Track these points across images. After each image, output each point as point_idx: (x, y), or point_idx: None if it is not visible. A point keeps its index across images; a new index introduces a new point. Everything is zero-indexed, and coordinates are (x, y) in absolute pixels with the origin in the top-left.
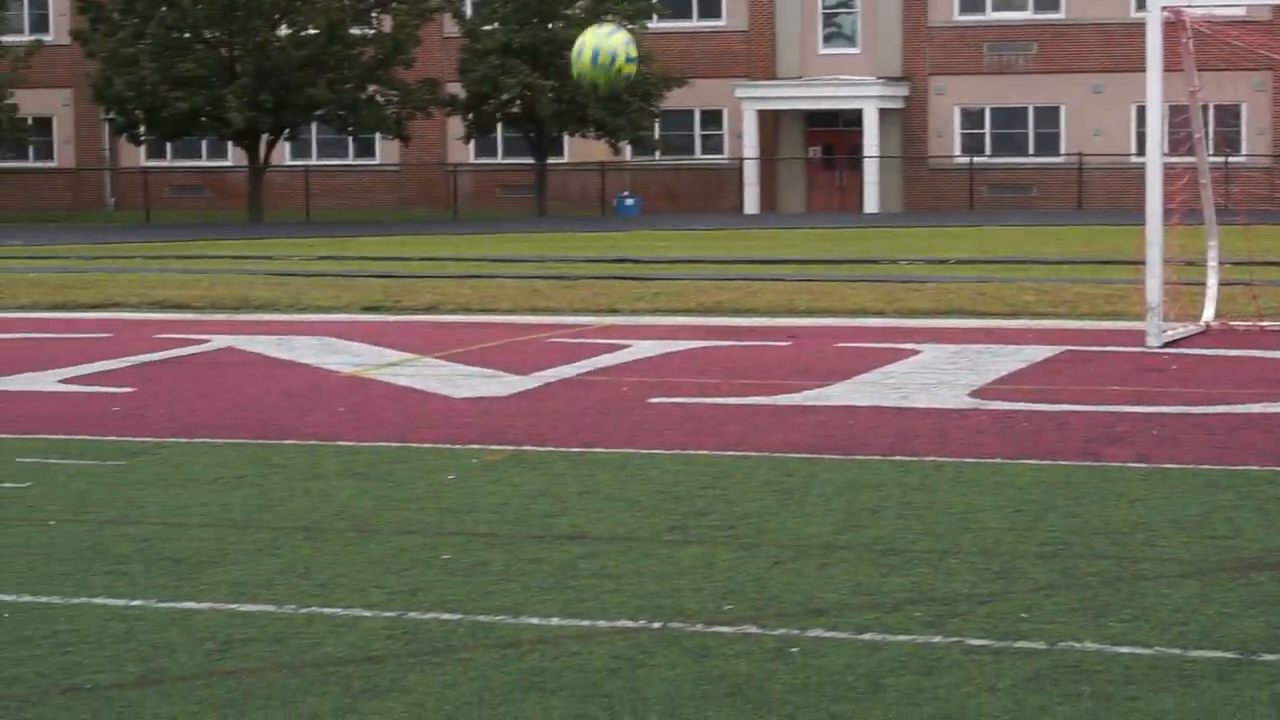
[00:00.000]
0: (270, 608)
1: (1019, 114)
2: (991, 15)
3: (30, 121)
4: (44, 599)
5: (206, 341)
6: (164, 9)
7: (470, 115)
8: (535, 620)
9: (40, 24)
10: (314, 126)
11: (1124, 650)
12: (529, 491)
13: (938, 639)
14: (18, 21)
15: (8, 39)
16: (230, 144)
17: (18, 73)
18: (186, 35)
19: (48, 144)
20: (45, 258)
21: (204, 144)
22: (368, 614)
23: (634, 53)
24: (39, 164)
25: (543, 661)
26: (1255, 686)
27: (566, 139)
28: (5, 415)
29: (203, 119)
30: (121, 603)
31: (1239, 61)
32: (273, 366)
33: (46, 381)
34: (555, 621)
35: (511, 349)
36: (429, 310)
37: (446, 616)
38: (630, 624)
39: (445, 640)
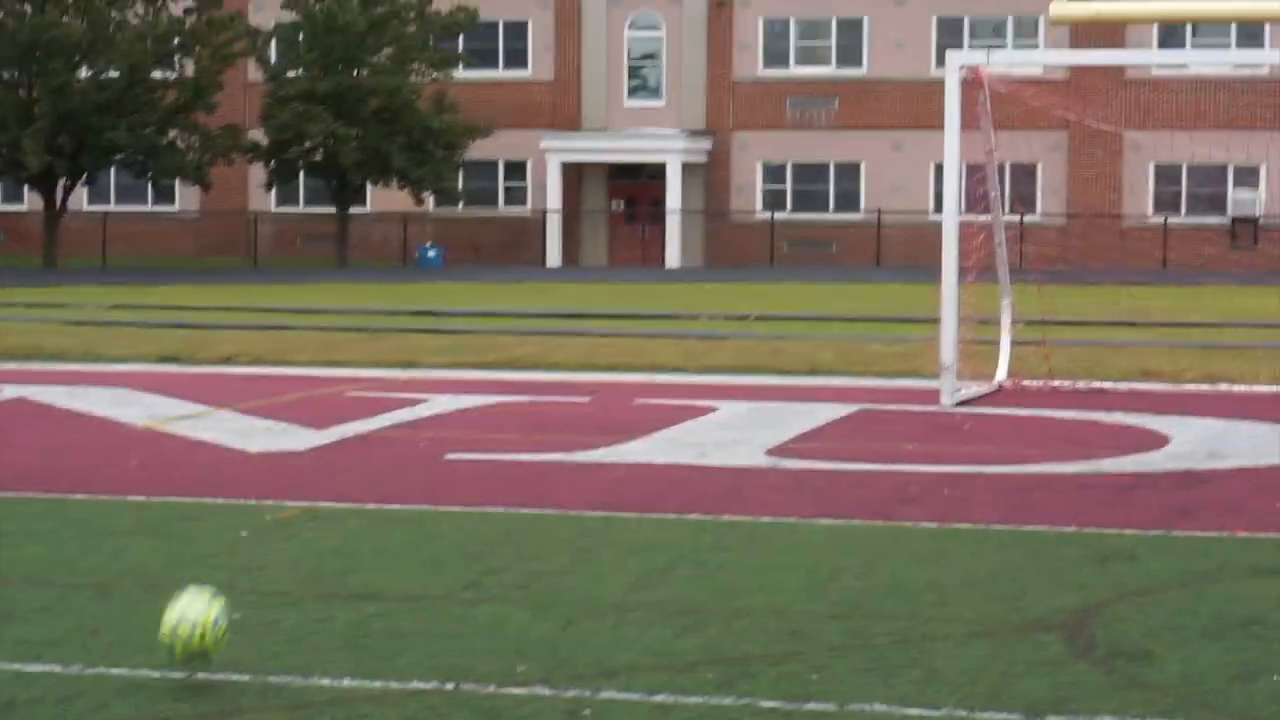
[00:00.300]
0: (57, 668)
1: (820, 170)
2: (795, 70)
3: None
4: None
5: None
6: None
7: (272, 162)
8: (326, 681)
9: None
10: (113, 171)
11: (913, 711)
12: (322, 549)
13: (729, 700)
14: None
15: None
16: (26, 187)
17: None
18: None
19: None
20: None
21: None
22: (155, 675)
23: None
24: None
25: None
26: None
27: (369, 188)
28: None
29: None
30: None
31: (1036, 121)
32: (65, 418)
33: None
34: (346, 683)
35: (309, 402)
36: (226, 362)
37: (236, 677)
38: (422, 685)
39: (234, 702)
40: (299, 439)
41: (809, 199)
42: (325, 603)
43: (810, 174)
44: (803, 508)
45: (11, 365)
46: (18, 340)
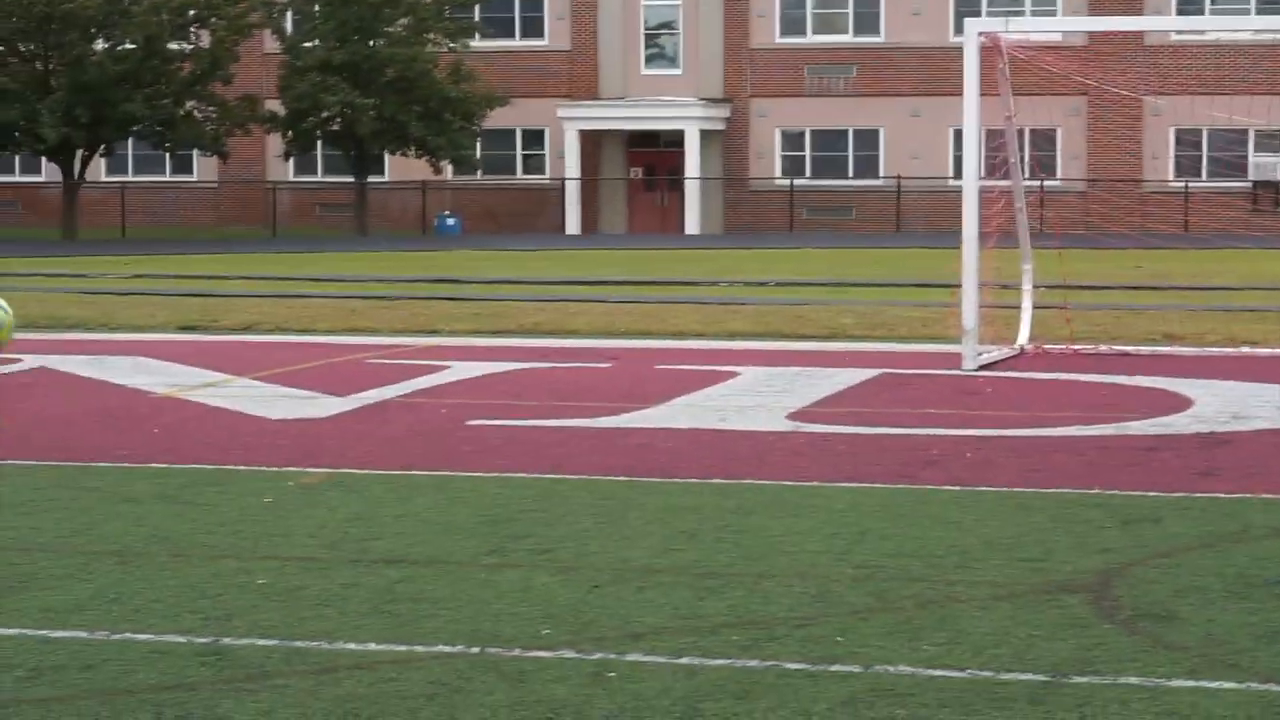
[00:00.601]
0: (81, 634)
1: (839, 137)
2: (812, 38)
3: None
4: None
5: (18, 361)
6: None
7: (289, 132)
8: (352, 646)
9: None
10: (130, 142)
11: (937, 673)
12: (346, 515)
13: (754, 663)
14: None
15: None
16: (44, 159)
17: None
18: (0, 49)
19: None
20: None
21: (17, 159)
22: (181, 640)
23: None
24: None
25: (359, 688)
26: (1066, 709)
27: (387, 157)
28: None
29: (16, 134)
30: None
31: (1054, 86)
32: (86, 386)
33: None
34: (372, 647)
35: (329, 370)
36: (246, 330)
37: (261, 642)
38: (448, 649)
39: (260, 666)
40: (320, 406)
41: (828, 165)
42: (350, 568)
43: (829, 141)
44: (825, 472)
45: (32, 335)
46: (38, 310)
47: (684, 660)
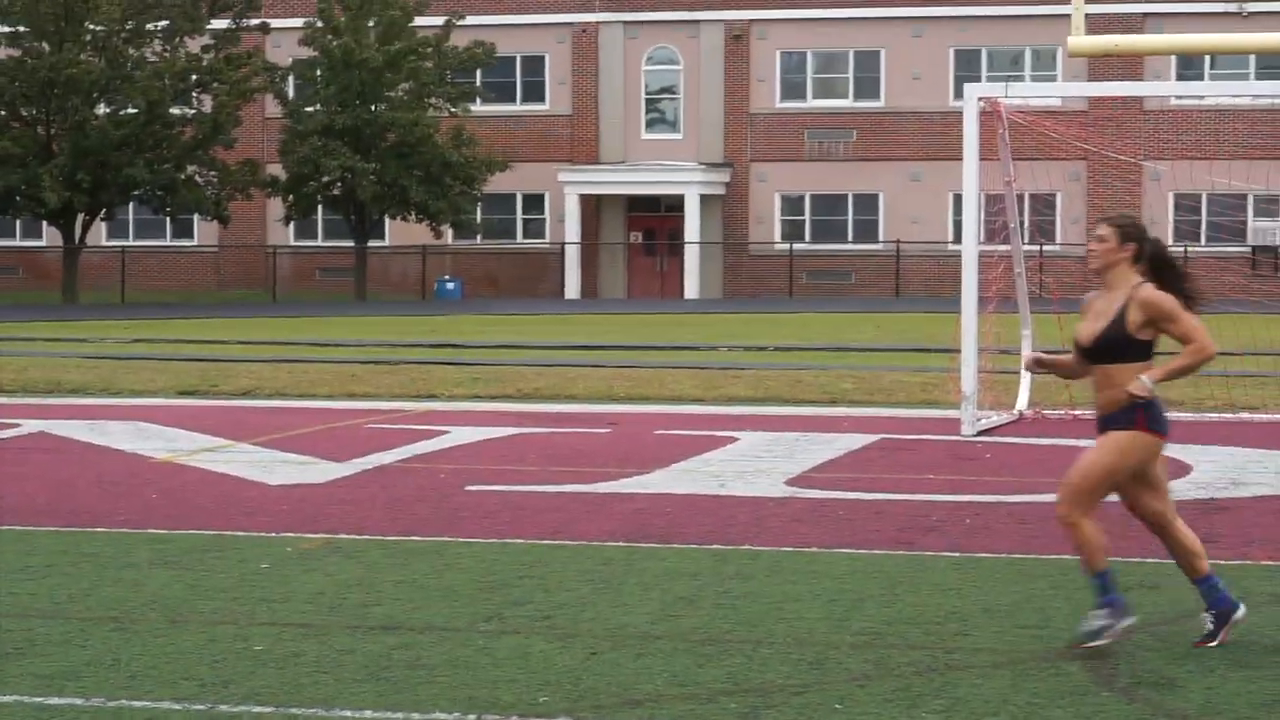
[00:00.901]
0: (78, 700)
1: (838, 201)
2: (812, 103)
3: None
4: None
5: (17, 426)
6: None
7: (290, 197)
8: (348, 713)
9: None
10: (131, 206)
11: None
12: (344, 580)
13: None
14: None
15: None
16: (45, 223)
17: None
18: (2, 113)
19: None
20: None
21: (18, 223)
22: (177, 707)
23: None
24: None
25: None
26: None
27: (388, 221)
28: None
29: (17, 198)
30: None
31: (1054, 151)
32: (85, 452)
33: None
34: (369, 714)
35: (329, 435)
36: (245, 395)
37: (258, 709)
38: (445, 716)
39: None
40: (319, 471)
41: (828, 230)
42: (347, 634)
43: (829, 205)
44: (824, 537)
45: (32, 400)
46: (38, 374)
47: None
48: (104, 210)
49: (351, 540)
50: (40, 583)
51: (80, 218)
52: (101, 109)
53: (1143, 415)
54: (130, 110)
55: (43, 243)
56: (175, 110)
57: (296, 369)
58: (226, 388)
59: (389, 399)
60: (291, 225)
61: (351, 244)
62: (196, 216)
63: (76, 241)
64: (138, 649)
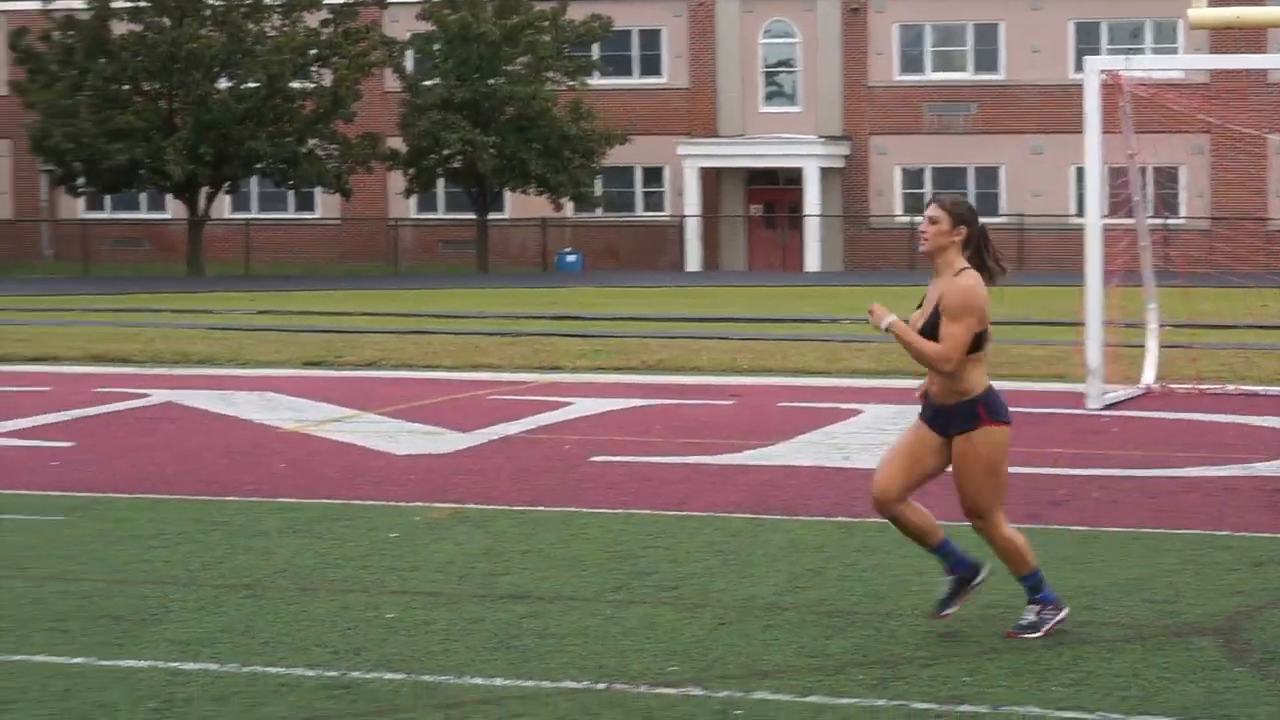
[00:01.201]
0: (212, 666)
1: (959, 174)
2: (931, 76)
3: None
4: None
5: (146, 396)
6: (102, 61)
7: (411, 170)
8: (479, 680)
9: None
10: (254, 180)
11: (1066, 715)
12: (472, 550)
13: (881, 702)
14: None
15: None
16: (170, 196)
17: None
18: (125, 87)
19: None
20: None
21: (143, 196)
22: (310, 673)
23: None
24: None
25: None
26: None
27: (508, 195)
28: None
29: (142, 171)
30: (62, 660)
31: (1177, 124)
32: (213, 422)
33: None
34: (499, 682)
35: (453, 406)
36: (370, 366)
37: (389, 676)
38: (574, 685)
39: (389, 700)
40: (445, 442)
41: None
42: (477, 603)
43: (949, 178)
44: (951, 510)
45: (160, 370)
46: (166, 346)
47: (811, 699)
48: (227, 183)
49: (479, 510)
50: (174, 550)
51: (204, 191)
52: (223, 83)
53: (984, 410)
54: (251, 84)
55: (168, 216)
56: (295, 84)
57: (421, 340)
58: (352, 359)
59: (512, 370)
60: (413, 198)
61: (472, 217)
62: (319, 189)
63: (201, 214)
64: (270, 616)
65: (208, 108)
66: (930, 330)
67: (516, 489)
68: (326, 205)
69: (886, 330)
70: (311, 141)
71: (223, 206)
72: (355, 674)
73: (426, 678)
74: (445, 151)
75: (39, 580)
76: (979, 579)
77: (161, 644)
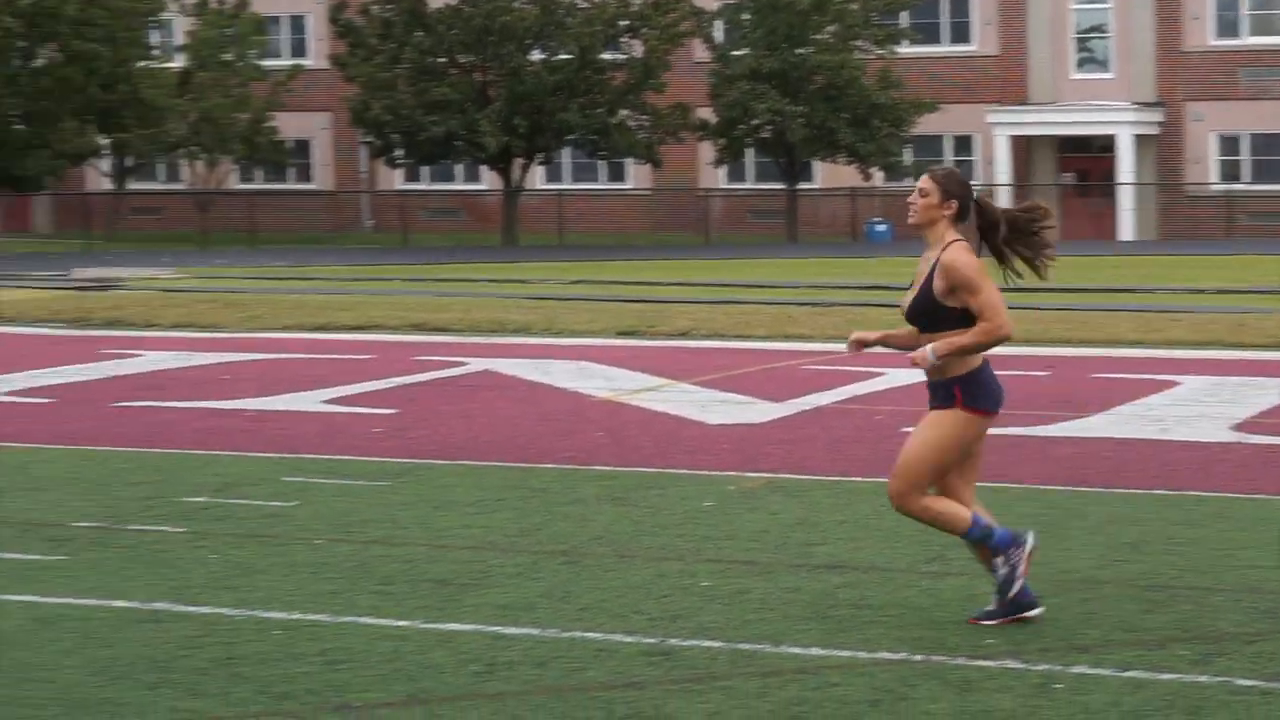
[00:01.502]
0: (533, 631)
1: (1276, 140)
2: (1248, 40)
3: (290, 144)
4: (313, 617)
5: (464, 364)
6: (419, 34)
7: (721, 140)
8: (796, 650)
9: (300, 49)
10: (566, 150)
11: None
12: (787, 519)
13: (1204, 678)
14: (278, 46)
15: (268, 63)
16: (484, 167)
17: (278, 96)
18: (441, 60)
19: (307, 166)
20: (306, 279)
21: (459, 167)
22: (629, 639)
23: None
24: (298, 186)
25: (803, 692)
26: None
27: (817, 164)
28: (271, 435)
29: (458, 143)
30: (388, 622)
31: None
32: (530, 390)
33: (310, 402)
34: (816, 651)
35: (766, 375)
36: (682, 336)
37: (707, 644)
38: (890, 656)
39: (706, 668)
40: (758, 411)
41: (1268, 170)
42: (792, 573)
43: (1269, 144)
44: (1273, 484)
45: (478, 339)
46: (483, 315)
47: (1130, 674)
48: (540, 154)
49: (793, 480)
50: (492, 517)
51: (518, 162)
52: (535, 55)
53: (960, 392)
54: (563, 56)
55: (483, 187)
56: (606, 56)
57: (732, 310)
58: (664, 328)
59: (823, 340)
60: (723, 168)
61: (781, 186)
62: (630, 160)
63: (515, 185)
64: (588, 582)
65: (521, 80)
66: (922, 304)
67: (830, 459)
68: (638, 175)
69: (937, 358)
70: (622, 112)
71: (536, 177)
72: (673, 641)
73: (743, 646)
74: (754, 121)
75: (364, 544)
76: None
77: (483, 608)
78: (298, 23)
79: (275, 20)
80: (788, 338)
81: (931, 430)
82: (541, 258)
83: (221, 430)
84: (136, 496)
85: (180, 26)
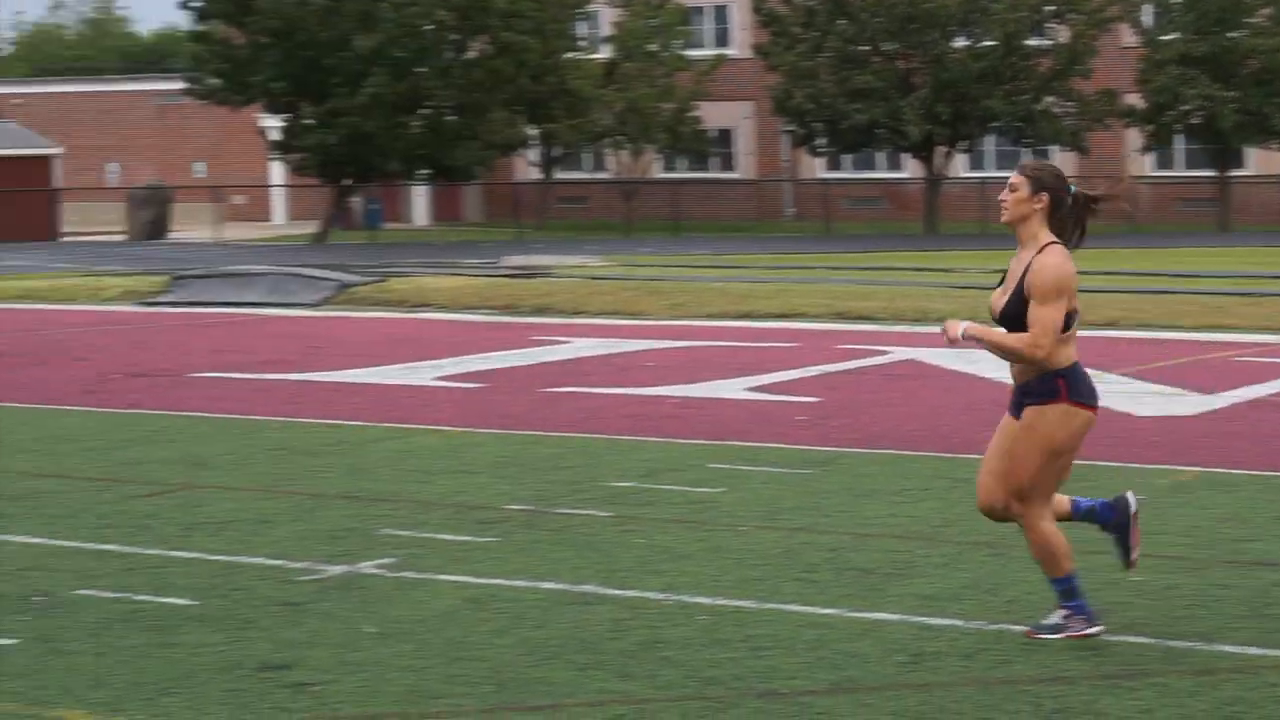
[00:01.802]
0: (958, 622)
1: None
2: None
3: (713, 133)
4: (738, 603)
5: (888, 353)
6: (843, 22)
7: (1149, 127)
8: (1230, 648)
9: (723, 38)
10: (990, 138)
11: None
12: (1218, 515)
13: None
14: (701, 36)
15: (692, 53)
16: (907, 155)
17: (701, 86)
18: (865, 48)
19: (729, 156)
20: (729, 267)
21: (880, 156)
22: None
23: None
24: (721, 175)
25: (1240, 692)
26: None
27: (1250, 151)
28: (697, 421)
29: (880, 131)
30: (812, 610)
31: None
32: (954, 379)
33: (734, 389)
34: (1252, 651)
35: (1197, 367)
36: (1110, 325)
37: (1136, 639)
38: None
39: (1138, 664)
40: (1188, 404)
41: None
42: (1224, 569)
43: None
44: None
45: (901, 328)
46: (906, 304)
47: None
48: (964, 142)
49: (1224, 474)
50: (917, 506)
51: (940, 150)
52: (959, 42)
53: (1064, 384)
54: (988, 43)
55: (904, 175)
56: (1031, 42)
57: (1161, 300)
58: (1091, 318)
59: (1256, 331)
60: (1150, 155)
61: (1211, 174)
62: (1055, 147)
63: (937, 173)
64: (1014, 575)
65: (945, 67)
66: (1015, 308)
67: (1264, 454)
68: (1062, 164)
69: (965, 339)
70: (1048, 99)
71: (958, 165)
72: (1103, 636)
73: (1174, 643)
74: (1184, 107)
75: (790, 531)
76: (1131, 508)
77: (908, 598)
78: (721, 13)
79: (699, 11)
80: (1217, 328)
81: (1037, 434)
82: (962, 246)
83: (646, 416)
84: (564, 480)
85: (606, 18)
